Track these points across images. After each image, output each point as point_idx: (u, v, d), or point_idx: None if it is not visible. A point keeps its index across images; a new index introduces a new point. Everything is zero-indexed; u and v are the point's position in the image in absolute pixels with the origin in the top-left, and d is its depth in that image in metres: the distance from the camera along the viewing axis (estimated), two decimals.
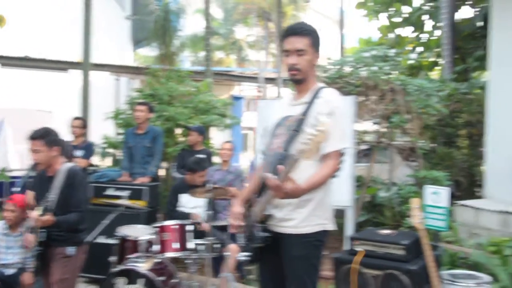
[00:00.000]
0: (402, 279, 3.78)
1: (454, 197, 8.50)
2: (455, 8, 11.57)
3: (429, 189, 4.97)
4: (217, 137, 9.48)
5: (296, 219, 2.58)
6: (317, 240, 2.57)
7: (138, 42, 19.22)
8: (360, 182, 7.81)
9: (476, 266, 5.61)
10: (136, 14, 16.53)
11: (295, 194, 2.30)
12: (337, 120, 2.51)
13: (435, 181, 6.71)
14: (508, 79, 7.05)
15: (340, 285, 4.19)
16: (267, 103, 7.36)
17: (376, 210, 7.70)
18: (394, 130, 8.28)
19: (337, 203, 5.90)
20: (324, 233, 2.60)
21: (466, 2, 12.37)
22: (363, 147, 9.69)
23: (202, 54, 22.50)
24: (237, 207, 2.72)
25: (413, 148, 7.62)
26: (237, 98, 18.53)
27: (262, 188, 2.61)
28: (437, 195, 4.88)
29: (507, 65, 7.12)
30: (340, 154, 2.54)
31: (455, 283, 4.10)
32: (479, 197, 7.77)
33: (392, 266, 3.86)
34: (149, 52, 13.97)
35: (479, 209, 6.65)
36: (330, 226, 2.67)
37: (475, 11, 12.10)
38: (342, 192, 5.78)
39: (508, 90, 6.83)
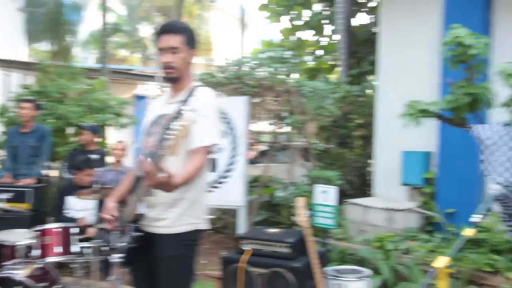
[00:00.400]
0: (286, 276, 3.88)
1: (346, 196, 8.88)
2: (352, 14, 12.12)
3: (318, 188, 5.15)
4: (115, 137, 9.21)
5: (168, 219, 2.56)
6: (190, 239, 2.56)
7: (32, 36, 18.22)
8: (258, 182, 7.94)
9: (362, 261, 5.89)
10: (29, 6, 15.66)
11: (168, 184, 2.26)
12: (207, 117, 2.52)
13: (328, 181, 6.97)
14: (394, 83, 7.49)
15: (227, 285, 4.22)
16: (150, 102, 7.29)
17: (273, 210, 7.87)
18: (291, 131, 8.51)
19: (230, 203, 5.99)
20: (197, 232, 2.60)
21: (362, 9, 12.99)
22: (263, 147, 9.86)
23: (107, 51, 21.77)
24: (110, 204, 2.65)
25: (308, 149, 7.86)
26: (140, 98, 18.14)
27: (135, 186, 2.57)
28: (326, 194, 5.07)
29: (393, 70, 7.56)
30: (207, 150, 2.55)
31: (338, 278, 4.27)
32: (369, 196, 8.17)
33: (278, 264, 3.95)
34: (45, 47, 13.31)
35: (367, 207, 6.99)
36: (204, 225, 2.67)
37: (371, 18, 12.74)
38: (235, 192, 5.84)
39: (394, 93, 7.24)
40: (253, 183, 7.86)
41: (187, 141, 2.45)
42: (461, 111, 4.61)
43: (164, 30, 2.67)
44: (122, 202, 2.69)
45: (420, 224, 6.78)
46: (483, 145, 4.28)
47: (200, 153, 2.49)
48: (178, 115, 2.28)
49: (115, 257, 2.56)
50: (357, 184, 9.00)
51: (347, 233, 6.93)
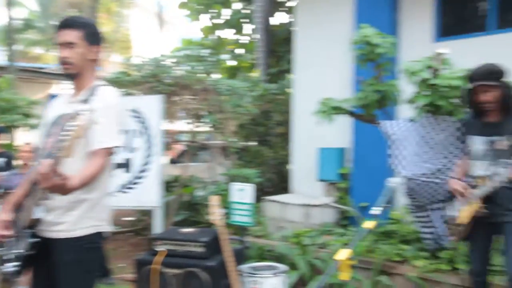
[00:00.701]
0: (201, 276, 3.85)
1: (266, 193, 8.98)
2: (271, 13, 12.27)
3: (235, 186, 5.15)
4: (25, 139, 8.76)
5: (66, 222, 2.45)
6: (91, 242, 2.47)
7: None
8: (177, 182, 7.85)
9: (280, 257, 5.98)
10: None
11: (63, 187, 2.16)
12: (108, 117, 2.43)
13: (246, 179, 7.01)
14: (309, 81, 7.66)
15: (141, 287, 4.12)
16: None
17: (193, 209, 7.81)
18: (210, 130, 8.48)
19: (146, 204, 5.87)
20: (98, 235, 2.51)
21: (281, 9, 13.20)
22: (183, 147, 9.75)
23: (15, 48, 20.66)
24: (5, 214, 2.50)
25: (227, 147, 7.87)
26: (54, 97, 17.40)
27: (32, 190, 2.43)
28: (243, 192, 5.08)
29: (308, 67, 7.73)
30: (107, 152, 2.46)
31: (253, 275, 4.30)
32: (288, 193, 8.30)
33: (192, 264, 3.92)
34: None
35: (285, 203, 7.10)
36: (106, 227, 2.58)
37: (290, 17, 12.96)
38: (150, 193, 5.72)
39: (310, 91, 7.41)
40: (173, 183, 7.76)
41: (85, 143, 2.36)
42: (371, 107, 4.77)
43: (62, 25, 2.56)
44: (18, 207, 2.54)
45: (336, 219, 6.98)
46: (390, 140, 4.46)
47: (100, 155, 2.40)
48: (75, 115, 2.18)
49: (9, 266, 2.42)
50: (276, 182, 9.12)
51: (265, 230, 7.00)
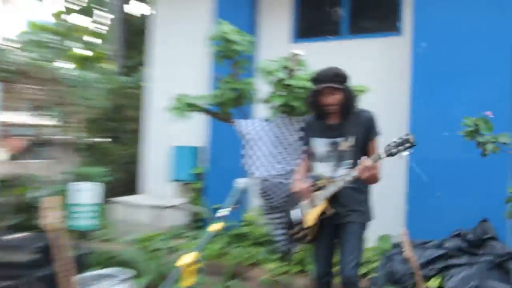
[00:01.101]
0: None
1: (115, 194, 8.58)
2: (127, 1, 11.81)
3: (77, 186, 4.79)
4: None
5: None
6: None
7: None
8: (11, 182, 7.16)
9: (127, 263, 5.69)
10: None
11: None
12: None
13: (93, 178, 6.60)
14: (166, 76, 7.45)
15: None
16: None
17: (30, 212, 7.16)
18: (56, 124, 7.88)
19: None
20: None
21: None
22: (23, 142, 8.95)
23: None
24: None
25: (74, 143, 7.36)
26: None
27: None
28: (86, 192, 4.75)
29: (166, 62, 7.52)
30: None
31: (94, 284, 4.00)
32: (138, 193, 8.01)
33: (17, 275, 3.50)
34: None
35: (135, 205, 6.82)
36: None
37: (148, 7, 12.59)
38: None
39: (166, 86, 7.19)
40: (5, 183, 7.06)
41: None
42: (227, 106, 4.72)
43: None
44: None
45: (189, 221, 6.86)
46: (245, 140, 4.45)
47: None
48: None
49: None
50: (126, 181, 8.74)
51: (112, 234, 6.65)
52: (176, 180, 7.05)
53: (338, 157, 3.23)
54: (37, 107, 7.30)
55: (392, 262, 4.83)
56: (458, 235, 4.91)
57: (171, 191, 7.10)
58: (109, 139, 9.31)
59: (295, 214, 3.41)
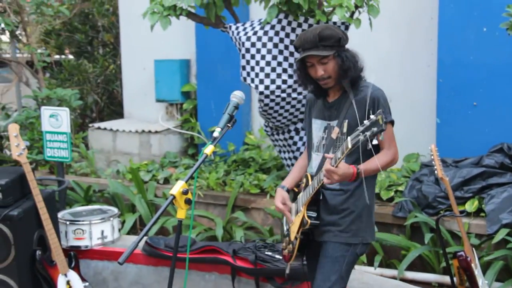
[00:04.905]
0: (1, 229, 3.67)
1: (91, 120, 8.76)
2: None
3: (46, 112, 4.92)
4: None
5: None
6: None
7: None
8: None
9: (113, 199, 5.96)
10: None
11: None
12: None
13: (62, 101, 6.72)
14: None
15: None
16: None
17: None
18: (8, 38, 7.91)
19: None
20: None
21: None
22: None
23: None
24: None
25: (33, 62, 7.40)
26: None
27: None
28: (58, 119, 4.88)
29: None
30: None
31: (75, 223, 4.23)
32: (120, 117, 8.15)
33: None
34: None
35: (117, 131, 6.98)
36: None
37: None
38: None
39: None
40: None
41: None
42: (215, 7, 4.68)
43: None
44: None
45: (181, 147, 7.06)
46: (243, 49, 4.47)
47: None
48: None
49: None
50: (104, 104, 8.88)
51: (93, 166, 6.87)
52: (162, 101, 7.15)
53: (327, 147, 2.86)
54: None
55: (421, 184, 5.04)
56: (500, 150, 5.07)
57: (157, 113, 7.22)
58: (76, 55, 9.34)
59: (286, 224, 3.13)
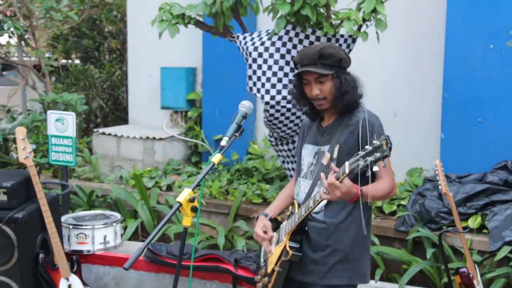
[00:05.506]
0: (5, 231, 3.70)
1: (95, 125, 8.80)
2: None
3: (52, 116, 4.95)
4: None
5: None
6: None
7: None
8: None
9: (115, 204, 5.98)
10: None
11: None
12: None
13: (68, 106, 6.76)
14: None
15: None
16: None
17: None
18: (16, 41, 7.96)
19: None
20: None
21: None
22: None
23: None
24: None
25: (40, 66, 7.46)
26: None
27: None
28: (64, 123, 4.91)
29: None
30: None
31: (78, 227, 4.26)
32: (124, 123, 8.20)
33: None
34: None
35: (122, 137, 7.01)
36: None
37: None
38: None
39: None
40: None
41: None
42: (223, 16, 4.72)
43: None
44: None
45: (185, 155, 7.09)
46: (250, 58, 4.51)
47: None
48: None
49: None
50: (109, 110, 8.94)
51: (96, 171, 6.91)
52: (167, 108, 7.19)
53: (318, 173, 2.68)
54: None
55: (424, 198, 5.05)
56: (504, 167, 5.06)
57: (162, 120, 7.25)
58: (83, 60, 9.40)
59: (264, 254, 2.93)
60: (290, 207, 2.76)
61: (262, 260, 2.91)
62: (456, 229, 3.82)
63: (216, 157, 2.42)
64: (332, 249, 2.65)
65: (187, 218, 2.28)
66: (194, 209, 2.26)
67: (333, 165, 2.38)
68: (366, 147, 2.21)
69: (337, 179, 2.31)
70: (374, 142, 2.18)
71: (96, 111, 8.84)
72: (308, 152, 2.82)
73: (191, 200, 2.25)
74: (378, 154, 2.15)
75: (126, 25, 8.08)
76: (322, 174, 2.39)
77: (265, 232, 2.79)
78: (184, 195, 2.24)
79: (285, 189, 3.07)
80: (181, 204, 2.25)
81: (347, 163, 2.26)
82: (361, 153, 2.21)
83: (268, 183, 5.99)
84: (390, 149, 2.14)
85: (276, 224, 2.87)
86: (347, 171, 2.25)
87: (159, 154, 6.84)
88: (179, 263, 2.34)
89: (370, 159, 2.17)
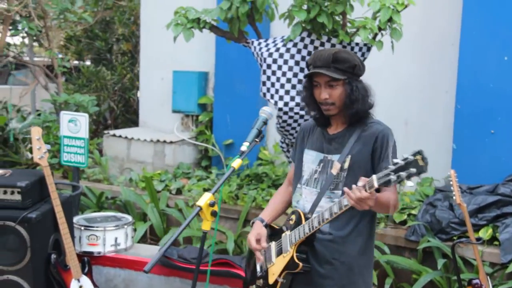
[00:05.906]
0: (19, 230, 3.70)
1: (106, 126, 8.83)
2: None
3: (65, 116, 4.97)
4: None
5: None
6: None
7: None
8: None
9: (125, 206, 5.99)
10: None
11: None
12: None
13: (80, 107, 6.79)
14: None
15: None
16: None
17: (7, 146, 7.45)
18: (29, 42, 7.99)
19: None
20: None
21: None
22: None
23: None
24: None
25: (53, 66, 7.49)
26: None
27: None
28: (76, 124, 4.93)
29: None
30: None
31: (90, 229, 4.26)
32: (135, 126, 8.22)
33: (5, 216, 3.73)
34: None
35: (132, 139, 7.03)
36: None
37: None
38: None
39: None
40: None
41: None
42: (239, 22, 4.73)
43: None
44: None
45: (195, 159, 7.10)
46: (264, 64, 4.51)
47: None
48: None
49: None
50: (119, 111, 8.96)
51: (106, 173, 6.92)
52: (179, 111, 7.21)
53: (326, 182, 2.61)
54: (2, 21, 7.38)
55: (435, 208, 5.04)
56: None
57: (173, 124, 7.27)
58: (95, 62, 9.44)
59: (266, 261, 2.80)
60: (293, 216, 2.64)
61: (258, 269, 2.81)
62: (469, 240, 3.81)
63: (236, 162, 2.42)
64: (339, 262, 2.60)
65: (206, 223, 2.28)
66: (213, 214, 2.27)
67: (363, 178, 2.29)
68: (397, 160, 2.15)
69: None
70: (408, 157, 2.12)
71: (104, 113, 8.86)
72: (311, 158, 2.73)
73: (211, 205, 2.25)
74: (413, 170, 2.10)
75: (138, 28, 8.10)
76: (346, 189, 2.31)
77: (258, 241, 2.71)
78: (205, 199, 2.25)
79: (280, 193, 2.98)
80: (201, 208, 2.25)
81: (374, 177, 2.21)
82: (392, 167, 2.15)
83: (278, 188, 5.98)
84: (426, 164, 2.09)
85: (271, 230, 2.80)
86: (375, 185, 2.19)
87: (169, 157, 6.86)
88: (198, 267, 2.35)
89: (403, 174, 2.11)
